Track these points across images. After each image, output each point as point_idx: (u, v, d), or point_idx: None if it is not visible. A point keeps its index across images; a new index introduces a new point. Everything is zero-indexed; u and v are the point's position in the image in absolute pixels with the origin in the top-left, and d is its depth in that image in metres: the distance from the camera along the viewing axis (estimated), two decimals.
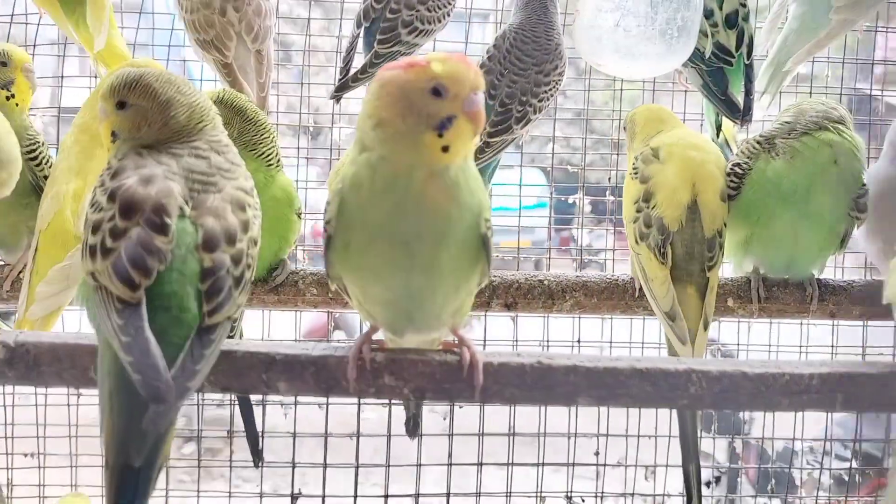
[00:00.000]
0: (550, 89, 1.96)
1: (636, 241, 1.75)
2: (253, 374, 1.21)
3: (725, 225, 1.80)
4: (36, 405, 2.30)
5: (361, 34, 2.08)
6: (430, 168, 1.16)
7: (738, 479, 2.94)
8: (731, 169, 1.85)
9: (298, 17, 2.61)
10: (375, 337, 1.29)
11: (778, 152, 1.81)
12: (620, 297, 1.85)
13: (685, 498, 1.78)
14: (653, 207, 1.74)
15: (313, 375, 1.22)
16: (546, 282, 1.83)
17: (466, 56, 1.22)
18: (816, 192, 1.78)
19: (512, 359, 1.27)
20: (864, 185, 1.83)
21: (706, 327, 1.75)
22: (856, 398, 1.27)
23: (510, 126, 1.91)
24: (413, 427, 1.58)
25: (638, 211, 1.76)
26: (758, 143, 1.84)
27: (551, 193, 2.58)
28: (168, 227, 1.12)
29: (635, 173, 1.79)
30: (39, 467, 2.31)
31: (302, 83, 2.46)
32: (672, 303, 1.71)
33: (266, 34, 2.10)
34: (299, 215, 1.85)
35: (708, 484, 2.91)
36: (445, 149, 1.16)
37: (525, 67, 1.94)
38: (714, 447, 2.96)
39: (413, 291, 1.22)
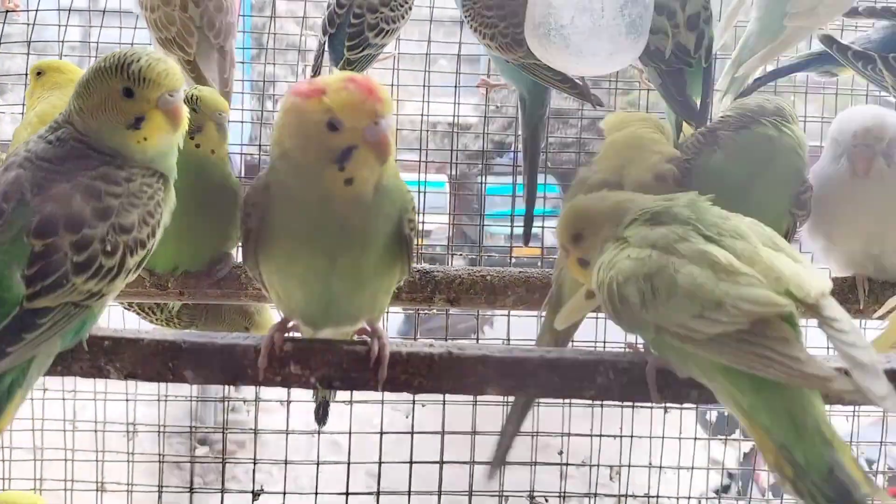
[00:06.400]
0: None
1: None
2: (158, 362, 1.22)
3: None
4: (32, 399, 2.31)
5: (327, 41, 2.10)
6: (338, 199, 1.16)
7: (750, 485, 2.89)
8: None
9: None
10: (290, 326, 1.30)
11: (718, 146, 1.78)
12: None
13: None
14: None
15: (220, 363, 1.24)
16: (488, 277, 1.82)
17: (369, 80, 1.17)
18: (753, 188, 1.75)
19: (422, 349, 1.27)
20: (805, 181, 1.80)
21: None
22: None
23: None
24: (322, 415, 1.59)
25: None
26: (702, 135, 1.81)
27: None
28: (3, 211, 1.16)
29: None
30: (35, 460, 2.34)
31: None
32: None
33: (229, 31, 2.10)
34: None
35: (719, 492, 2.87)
36: (349, 181, 1.15)
37: None
38: (725, 453, 2.92)
39: (333, 292, 1.24)
